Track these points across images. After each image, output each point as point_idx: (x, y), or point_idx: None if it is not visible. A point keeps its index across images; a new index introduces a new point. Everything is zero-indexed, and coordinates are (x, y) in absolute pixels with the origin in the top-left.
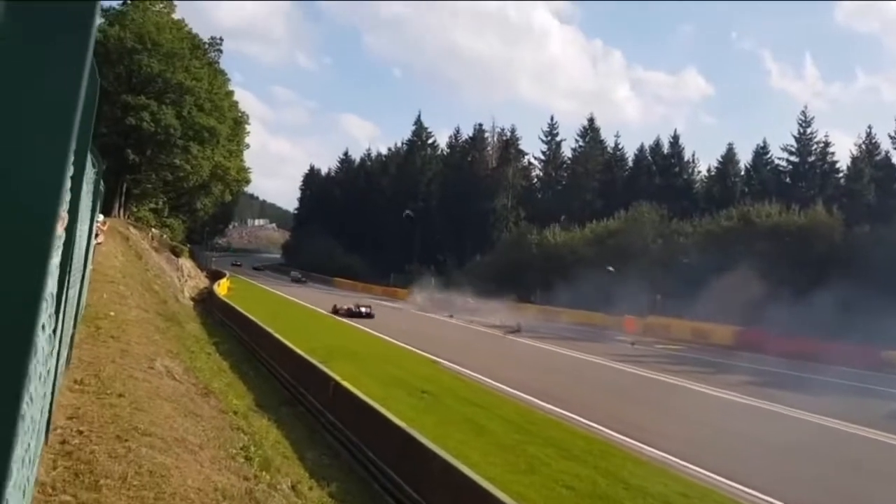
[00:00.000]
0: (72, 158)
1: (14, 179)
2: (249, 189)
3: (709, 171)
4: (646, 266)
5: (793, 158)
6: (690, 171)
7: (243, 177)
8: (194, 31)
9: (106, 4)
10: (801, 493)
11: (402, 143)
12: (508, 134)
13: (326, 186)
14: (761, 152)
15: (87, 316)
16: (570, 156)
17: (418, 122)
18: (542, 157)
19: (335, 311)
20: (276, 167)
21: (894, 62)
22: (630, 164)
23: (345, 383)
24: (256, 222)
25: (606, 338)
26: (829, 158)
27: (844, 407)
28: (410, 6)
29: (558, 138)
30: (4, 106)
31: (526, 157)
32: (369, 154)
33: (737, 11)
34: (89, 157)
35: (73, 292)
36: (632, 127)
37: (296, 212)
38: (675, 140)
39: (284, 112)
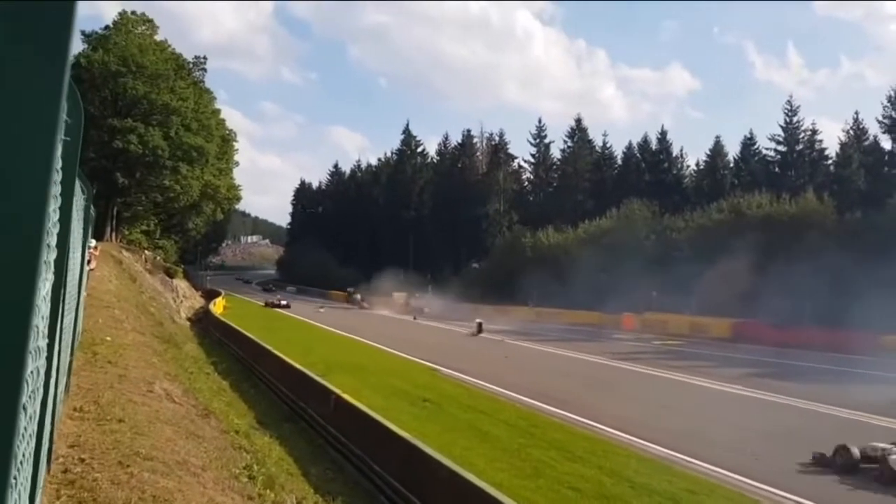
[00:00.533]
0: (55, 186)
1: None
2: (241, 206)
3: (698, 165)
4: (640, 263)
5: (781, 148)
6: (679, 166)
7: (234, 194)
8: (178, 51)
9: (88, 29)
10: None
11: (392, 153)
12: (497, 138)
13: (318, 200)
14: (749, 143)
15: (84, 342)
16: (559, 157)
17: (407, 131)
18: (532, 160)
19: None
20: (266, 183)
21: (878, 48)
22: (619, 162)
23: (346, 396)
24: (249, 239)
25: (604, 336)
26: (817, 146)
27: (858, 395)
28: (393, 15)
29: (547, 140)
30: None
31: (516, 160)
32: (359, 165)
33: (719, 5)
34: (77, 182)
35: (68, 319)
36: (619, 125)
37: (288, 227)
38: (662, 136)
39: (272, 127)
